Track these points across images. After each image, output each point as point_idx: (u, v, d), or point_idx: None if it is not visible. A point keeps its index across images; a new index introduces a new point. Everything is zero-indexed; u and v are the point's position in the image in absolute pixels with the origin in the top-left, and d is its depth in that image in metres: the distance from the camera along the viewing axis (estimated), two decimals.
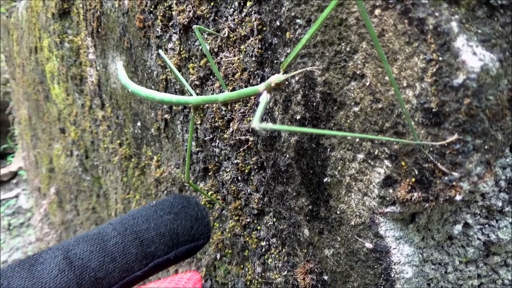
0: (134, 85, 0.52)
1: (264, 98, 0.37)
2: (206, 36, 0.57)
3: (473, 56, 0.28)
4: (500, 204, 0.37)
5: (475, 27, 0.30)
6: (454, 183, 0.31)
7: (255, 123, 0.28)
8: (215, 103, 0.44)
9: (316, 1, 0.38)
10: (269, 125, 0.27)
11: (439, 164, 0.31)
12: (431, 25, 0.30)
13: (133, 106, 0.90)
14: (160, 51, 0.58)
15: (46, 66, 1.52)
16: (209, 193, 0.66)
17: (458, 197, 0.31)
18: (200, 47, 0.59)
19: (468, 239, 0.40)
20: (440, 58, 0.30)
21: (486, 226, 0.39)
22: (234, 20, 0.51)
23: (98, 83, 1.08)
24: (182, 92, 0.67)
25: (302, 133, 0.43)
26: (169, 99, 0.48)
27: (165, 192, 0.85)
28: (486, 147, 0.31)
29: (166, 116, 0.75)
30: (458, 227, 0.38)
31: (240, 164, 0.57)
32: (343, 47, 0.37)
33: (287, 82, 0.44)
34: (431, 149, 0.32)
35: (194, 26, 0.48)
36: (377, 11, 0.33)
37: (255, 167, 0.54)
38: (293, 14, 0.41)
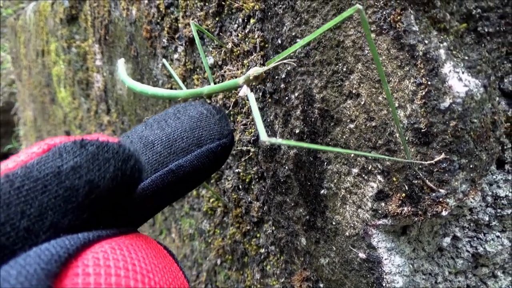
0: (131, 81, 0.54)
1: (246, 93, 0.36)
2: (210, 48, 0.59)
3: (459, 82, 0.30)
4: (487, 218, 0.39)
5: (462, 53, 0.32)
6: (441, 199, 0.33)
7: (264, 137, 0.28)
8: (201, 95, 0.46)
9: (316, 23, 0.40)
10: (279, 140, 0.27)
11: (427, 181, 0.33)
12: (421, 51, 0.32)
13: (138, 112, 0.92)
14: (164, 60, 0.60)
15: (52, 70, 1.54)
16: (211, 200, 0.68)
17: (444, 213, 0.33)
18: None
19: (457, 251, 0.41)
20: (429, 83, 0.32)
21: (474, 239, 0.40)
22: (238, 35, 0.53)
23: (104, 89, 1.10)
24: (185, 101, 0.69)
25: (303, 147, 0.45)
26: (161, 93, 0.50)
27: None
28: (471, 166, 0.33)
29: None
30: (448, 240, 0.40)
31: (241, 174, 0.59)
32: (340, 67, 0.39)
33: (265, 75, 0.45)
34: (420, 166, 0.34)
35: (191, 21, 0.50)
36: (371, 36, 0.35)
37: (256, 177, 0.56)
38: (293, 33, 0.43)
